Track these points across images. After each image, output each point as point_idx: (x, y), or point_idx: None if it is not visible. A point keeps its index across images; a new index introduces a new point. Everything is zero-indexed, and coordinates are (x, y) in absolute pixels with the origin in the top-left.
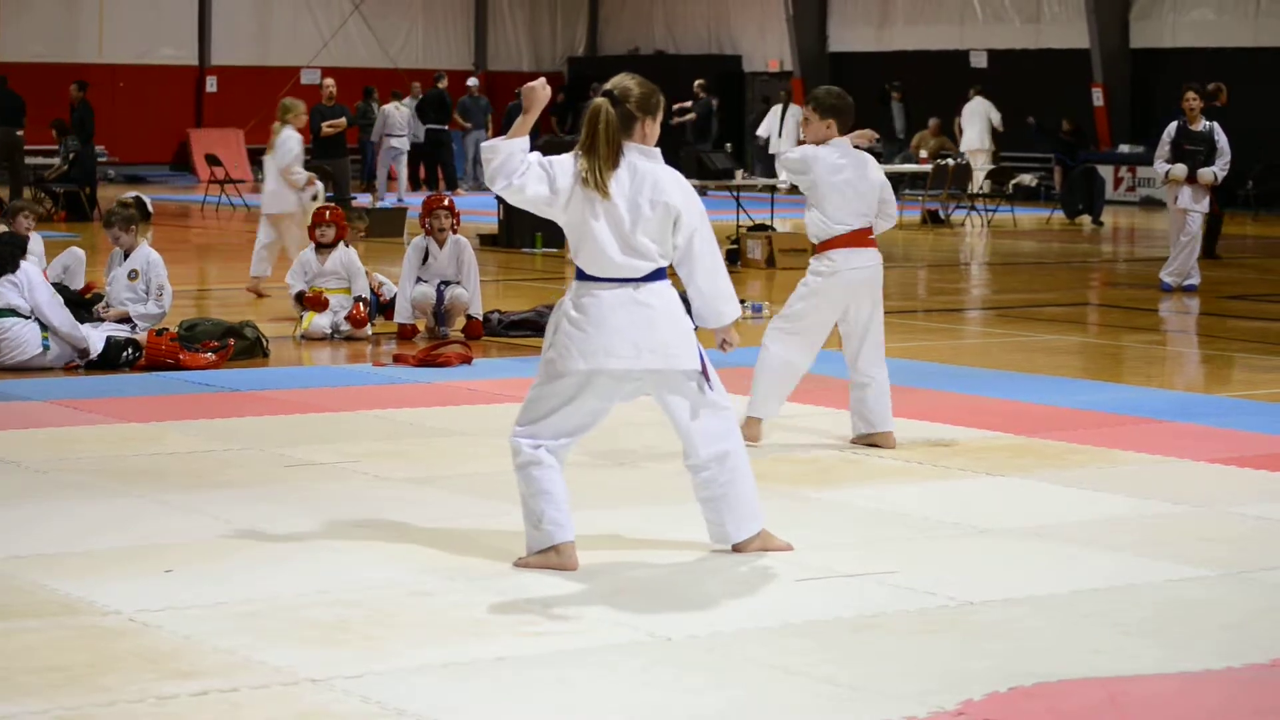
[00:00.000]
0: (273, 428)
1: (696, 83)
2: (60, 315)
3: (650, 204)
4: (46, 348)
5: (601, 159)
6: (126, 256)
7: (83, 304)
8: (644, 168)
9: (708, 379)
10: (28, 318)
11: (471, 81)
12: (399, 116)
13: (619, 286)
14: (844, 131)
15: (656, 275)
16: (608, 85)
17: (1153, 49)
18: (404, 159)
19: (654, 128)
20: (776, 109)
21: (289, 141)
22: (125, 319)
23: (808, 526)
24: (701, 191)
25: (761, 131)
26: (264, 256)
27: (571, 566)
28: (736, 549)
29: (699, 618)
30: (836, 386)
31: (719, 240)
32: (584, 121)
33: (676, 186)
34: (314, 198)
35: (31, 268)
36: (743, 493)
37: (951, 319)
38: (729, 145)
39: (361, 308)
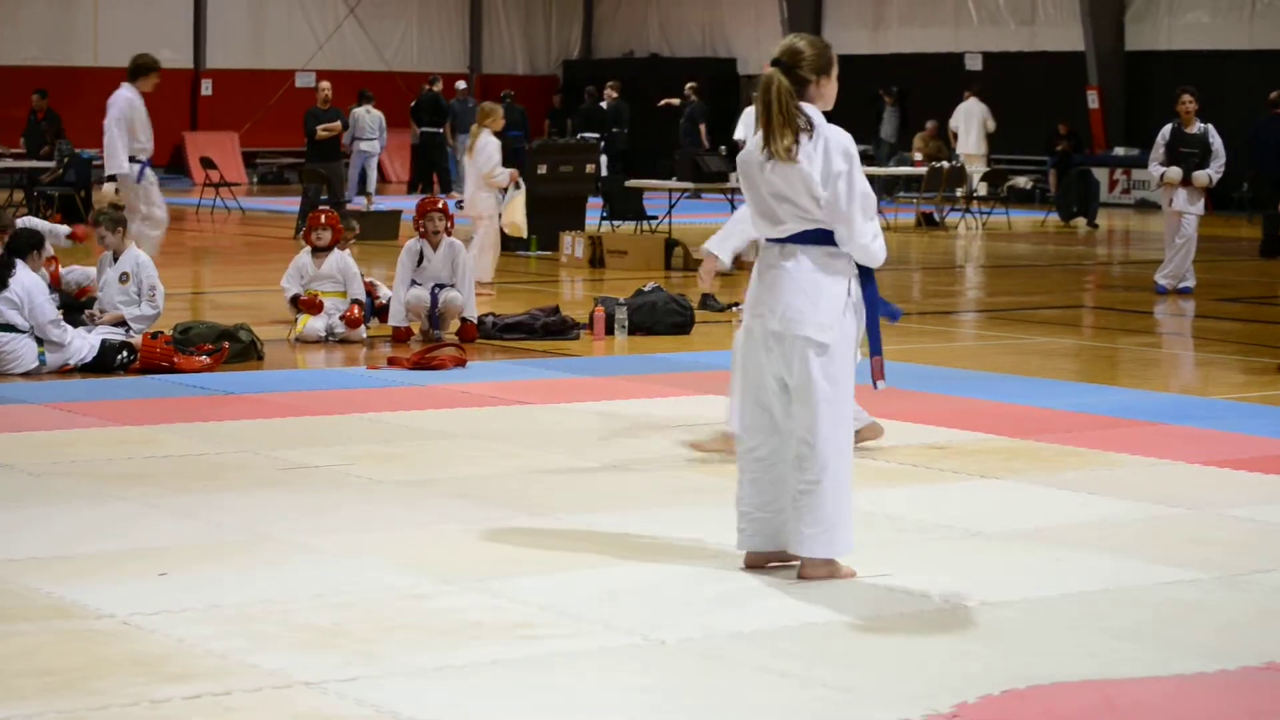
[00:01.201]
0: (267, 431)
1: (688, 85)
2: (44, 312)
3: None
4: (43, 362)
5: (777, 129)
6: (116, 260)
7: (76, 307)
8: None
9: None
10: (24, 332)
11: (460, 85)
12: (369, 120)
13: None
14: None
15: (802, 238)
16: (775, 54)
17: (1148, 52)
18: (374, 162)
19: (830, 87)
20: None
21: (489, 146)
22: (120, 322)
23: None
24: (695, 194)
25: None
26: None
27: None
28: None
29: (693, 621)
30: None
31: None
32: (757, 95)
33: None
34: (516, 186)
35: (27, 276)
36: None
37: (946, 321)
38: (724, 148)
39: (357, 310)
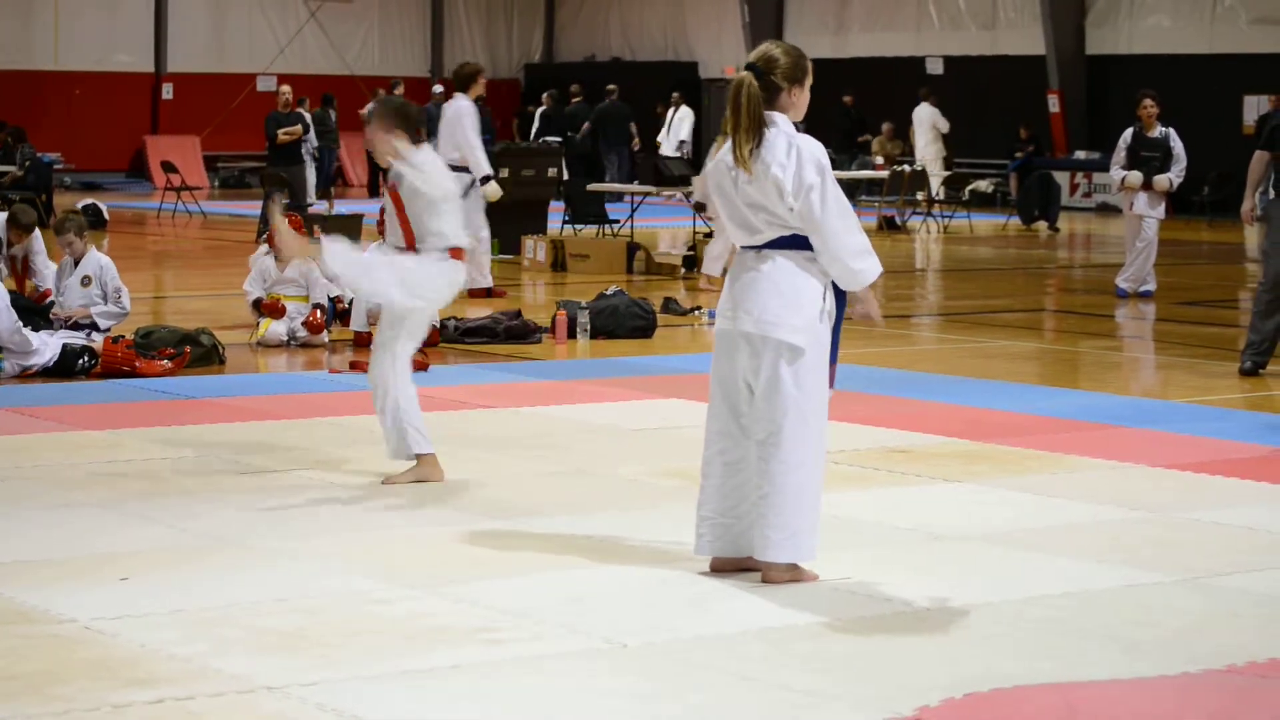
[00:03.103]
0: (229, 435)
1: (674, 95)
2: (3, 323)
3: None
4: (2, 368)
5: (743, 134)
6: (76, 264)
7: (39, 311)
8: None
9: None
10: None
11: (437, 89)
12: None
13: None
14: (416, 141)
15: (779, 243)
16: (750, 58)
17: (1108, 55)
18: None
19: (803, 97)
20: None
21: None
22: (87, 320)
23: None
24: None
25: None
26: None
27: None
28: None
29: (656, 625)
30: None
31: (678, 245)
32: (727, 99)
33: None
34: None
35: None
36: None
37: (907, 325)
38: (688, 151)
39: (319, 315)
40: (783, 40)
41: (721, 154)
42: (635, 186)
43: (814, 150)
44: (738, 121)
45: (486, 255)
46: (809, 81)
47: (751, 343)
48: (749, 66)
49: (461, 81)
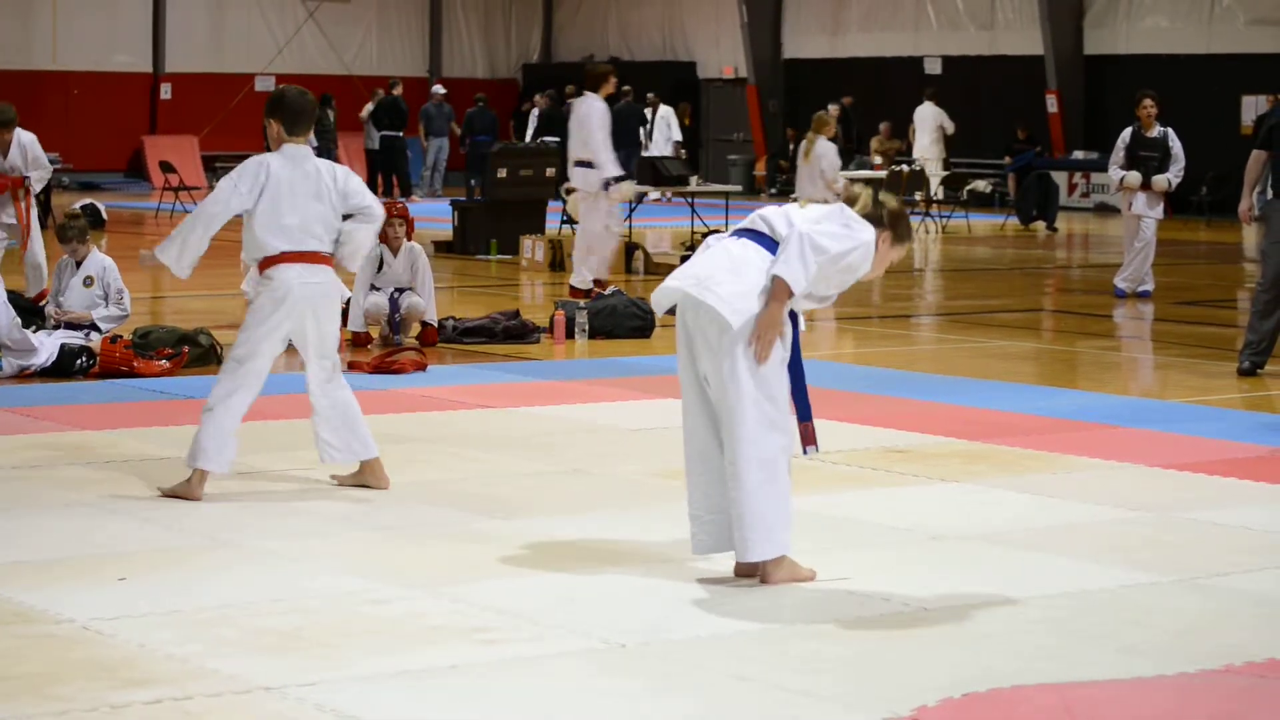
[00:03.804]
0: None
1: (649, 95)
2: (1, 316)
3: None
4: (1, 367)
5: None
6: (79, 265)
7: (36, 311)
8: None
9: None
10: None
11: (437, 89)
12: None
13: None
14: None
15: (753, 235)
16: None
17: (1106, 56)
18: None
19: (889, 251)
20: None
21: (829, 153)
22: (86, 322)
23: None
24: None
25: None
26: None
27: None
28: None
29: (653, 625)
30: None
31: (675, 247)
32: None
33: None
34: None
35: None
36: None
37: (906, 325)
38: (684, 151)
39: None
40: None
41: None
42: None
43: (868, 240)
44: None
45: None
46: (901, 251)
47: (692, 315)
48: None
49: (593, 81)
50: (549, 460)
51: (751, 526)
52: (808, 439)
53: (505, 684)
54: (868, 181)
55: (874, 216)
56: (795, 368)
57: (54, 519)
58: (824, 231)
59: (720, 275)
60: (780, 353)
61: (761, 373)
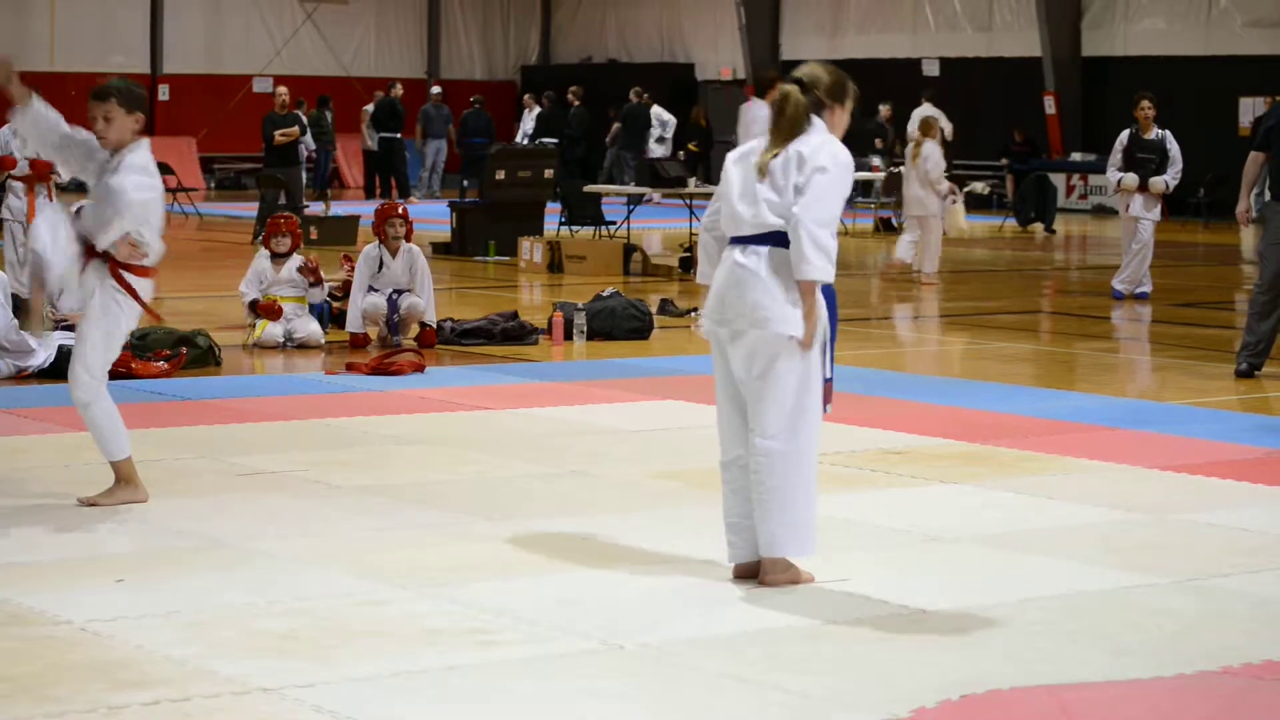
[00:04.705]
0: (225, 436)
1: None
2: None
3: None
4: None
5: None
6: None
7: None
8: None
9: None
10: None
11: (435, 90)
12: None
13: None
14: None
15: (769, 239)
16: (796, 74)
17: (1104, 57)
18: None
19: (843, 117)
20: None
21: (934, 155)
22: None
23: None
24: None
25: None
26: (908, 246)
27: None
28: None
29: (651, 626)
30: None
31: (671, 248)
32: (774, 105)
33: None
34: (953, 203)
35: None
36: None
37: (904, 327)
38: (682, 153)
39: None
40: (826, 62)
41: (754, 144)
42: (631, 188)
43: (836, 151)
44: (778, 125)
45: None
46: (850, 104)
47: (746, 339)
48: (795, 80)
49: (761, 87)
50: (547, 461)
51: (782, 522)
52: (825, 397)
53: (503, 685)
54: (783, 78)
55: (815, 103)
56: (831, 323)
57: (50, 520)
58: (818, 199)
59: (772, 307)
60: (820, 339)
61: (800, 370)
